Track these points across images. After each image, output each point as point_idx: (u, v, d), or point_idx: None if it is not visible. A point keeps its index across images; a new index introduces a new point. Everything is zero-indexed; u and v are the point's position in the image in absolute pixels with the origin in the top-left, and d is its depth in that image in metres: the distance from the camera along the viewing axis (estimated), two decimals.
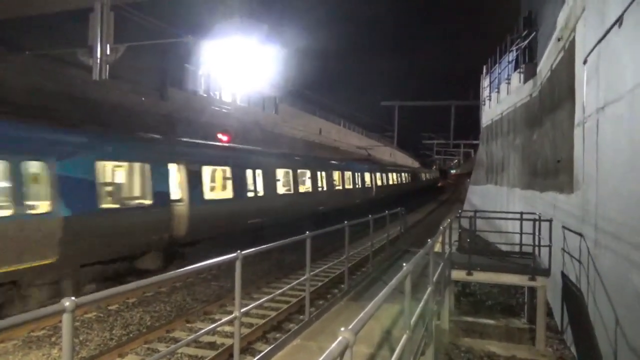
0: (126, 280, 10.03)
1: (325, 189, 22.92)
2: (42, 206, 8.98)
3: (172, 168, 12.41)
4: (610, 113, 6.72)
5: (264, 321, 8.71)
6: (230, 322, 4.79)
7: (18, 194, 8.36)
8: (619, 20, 6.16)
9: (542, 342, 8.72)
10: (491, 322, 10.09)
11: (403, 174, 48.28)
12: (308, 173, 21.63)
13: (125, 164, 11.99)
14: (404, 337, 4.02)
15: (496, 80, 21.95)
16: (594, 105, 7.53)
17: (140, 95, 18.10)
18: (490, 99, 23.65)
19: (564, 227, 9.17)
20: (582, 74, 8.39)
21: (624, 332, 5.79)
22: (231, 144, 17.60)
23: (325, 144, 38.85)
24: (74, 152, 9.58)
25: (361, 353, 5.23)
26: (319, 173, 22.38)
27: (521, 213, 11.21)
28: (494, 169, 22.18)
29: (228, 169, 15.02)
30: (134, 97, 17.64)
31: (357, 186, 28.58)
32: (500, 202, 19.03)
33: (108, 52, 10.64)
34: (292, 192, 19.43)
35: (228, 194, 14.97)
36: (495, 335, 9.47)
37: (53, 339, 7.94)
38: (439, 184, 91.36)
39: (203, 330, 4.52)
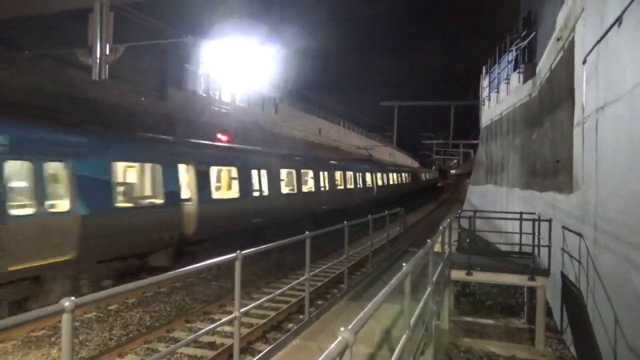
0: (139, 277, 10.12)
1: (327, 188, 23.17)
2: (62, 205, 9.37)
3: (182, 168, 12.74)
4: (609, 113, 6.72)
5: (263, 321, 8.71)
6: (230, 322, 4.79)
7: (40, 194, 8.75)
8: (618, 20, 6.16)
9: (542, 342, 8.72)
10: (491, 322, 10.09)
11: (403, 174, 48.39)
12: (311, 173, 21.88)
13: (138, 164, 12.47)
14: (404, 337, 4.03)
15: (495, 80, 21.95)
16: (593, 105, 7.54)
17: (139, 95, 18.11)
18: (489, 99, 23.66)
19: (563, 227, 9.17)
20: (581, 74, 8.39)
21: (624, 332, 5.79)
22: (237, 145, 17.77)
23: (326, 144, 38.86)
24: (91, 154, 9.99)
25: (361, 353, 5.23)
26: (321, 173, 22.61)
27: (521, 213, 11.21)
28: (493, 169, 22.19)
29: (234, 169, 15.42)
30: (133, 97, 17.64)
31: (358, 186, 28.76)
32: (499, 202, 19.04)
33: (107, 52, 10.65)
34: (295, 191, 19.68)
35: (234, 193, 15.33)
36: (495, 335, 9.48)
37: (53, 339, 7.93)
38: (439, 184, 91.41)
39: (203, 330, 4.52)
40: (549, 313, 10.01)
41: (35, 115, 10.06)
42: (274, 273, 13.01)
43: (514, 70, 17.62)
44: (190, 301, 10.43)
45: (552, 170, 11.17)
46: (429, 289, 5.70)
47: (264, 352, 5.43)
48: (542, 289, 8.88)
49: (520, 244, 10.58)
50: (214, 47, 17.64)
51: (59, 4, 12.67)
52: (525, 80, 15.55)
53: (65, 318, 2.71)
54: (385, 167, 38.77)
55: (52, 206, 9.22)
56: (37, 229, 8.54)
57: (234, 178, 15.47)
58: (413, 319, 4.46)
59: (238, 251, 4.71)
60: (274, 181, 17.50)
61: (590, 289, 7.35)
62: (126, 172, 12.37)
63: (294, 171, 19.71)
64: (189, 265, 4.58)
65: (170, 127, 16.80)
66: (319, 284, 11.33)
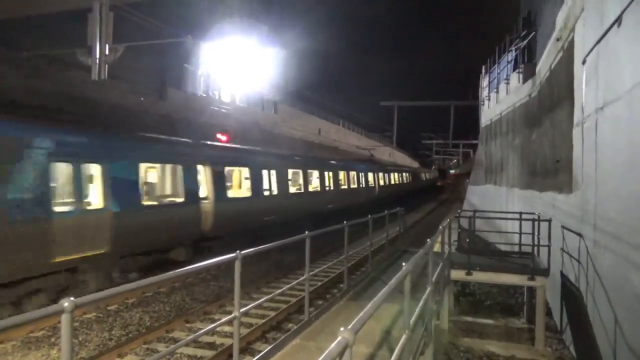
0: (161, 271, 10.37)
1: (332, 188, 23.75)
2: (97, 203, 10.18)
3: (200, 169, 13.43)
4: (609, 113, 6.73)
5: (263, 321, 8.71)
6: (229, 322, 4.78)
7: (78, 192, 9.55)
8: (618, 20, 6.16)
9: (541, 342, 8.72)
10: (490, 322, 10.09)
11: (404, 173, 48.68)
12: (316, 173, 22.42)
13: (161, 165, 13.46)
14: (404, 337, 4.02)
15: (495, 80, 21.95)
16: (593, 105, 7.54)
17: (139, 95, 18.10)
18: (489, 99, 23.66)
19: (563, 227, 9.17)
20: (581, 74, 8.39)
21: (623, 331, 5.79)
22: (249, 147, 18.14)
23: (326, 144, 38.87)
24: (122, 156, 10.84)
25: (361, 353, 5.23)
26: (326, 173, 23.14)
27: (520, 213, 11.21)
28: (493, 168, 22.19)
29: (246, 170, 16.14)
30: (133, 97, 17.63)
31: (361, 186, 29.31)
32: (499, 202, 19.04)
33: (107, 52, 10.63)
34: (302, 191, 20.24)
35: (247, 192, 16.04)
36: (495, 335, 9.47)
37: (52, 339, 7.93)
38: (438, 184, 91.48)
39: (202, 331, 4.52)
40: (548, 313, 10.01)
41: (71, 120, 10.89)
42: (273, 273, 13.01)
43: (514, 70, 17.63)
44: (190, 301, 10.43)
45: (551, 170, 11.17)
46: (428, 289, 5.70)
47: (264, 352, 5.43)
48: (542, 288, 8.88)
49: (520, 244, 10.58)
50: (213, 47, 17.64)
51: (59, 4, 12.66)
52: (524, 80, 15.55)
53: (65, 318, 2.71)
54: (386, 167, 39.02)
55: (88, 204, 10.09)
56: (76, 225, 9.36)
57: (247, 178, 16.18)
58: (413, 318, 4.45)
59: (238, 251, 4.72)
60: (283, 181, 18.12)
61: (589, 288, 7.35)
62: (151, 172, 13.32)
63: (300, 171, 20.30)
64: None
65: (170, 127, 16.80)
66: (319, 284, 11.33)
